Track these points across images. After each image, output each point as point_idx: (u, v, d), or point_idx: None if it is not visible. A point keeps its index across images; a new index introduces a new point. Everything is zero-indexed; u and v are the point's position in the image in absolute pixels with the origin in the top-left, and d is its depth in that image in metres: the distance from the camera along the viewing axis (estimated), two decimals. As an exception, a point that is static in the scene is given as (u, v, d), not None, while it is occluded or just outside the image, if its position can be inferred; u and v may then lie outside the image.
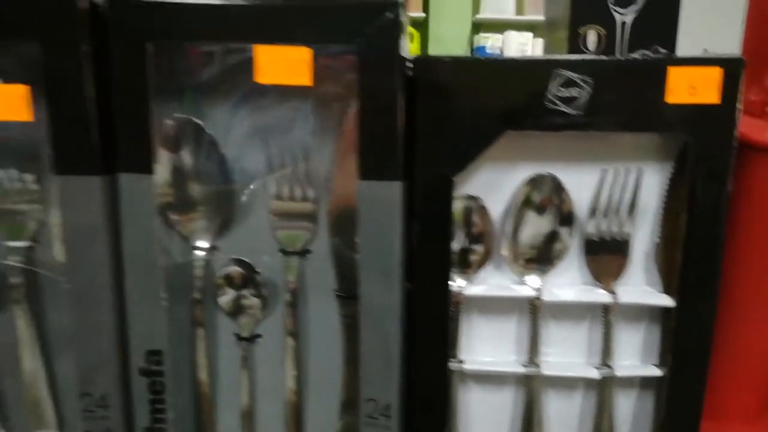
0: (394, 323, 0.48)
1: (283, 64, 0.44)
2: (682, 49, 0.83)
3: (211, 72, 0.48)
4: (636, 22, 0.80)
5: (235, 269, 0.50)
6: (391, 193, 0.46)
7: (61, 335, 0.52)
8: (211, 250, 0.51)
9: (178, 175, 0.49)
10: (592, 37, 0.83)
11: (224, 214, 0.51)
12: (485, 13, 2.87)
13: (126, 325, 0.50)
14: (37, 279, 0.52)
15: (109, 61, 0.45)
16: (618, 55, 0.78)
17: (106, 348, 0.49)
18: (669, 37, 0.82)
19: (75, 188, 0.46)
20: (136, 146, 0.46)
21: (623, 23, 0.82)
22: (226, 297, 0.51)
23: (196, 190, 0.49)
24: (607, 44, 0.83)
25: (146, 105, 0.46)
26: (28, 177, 0.50)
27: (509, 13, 2.94)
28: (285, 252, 0.51)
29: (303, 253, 0.51)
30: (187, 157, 0.49)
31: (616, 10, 0.82)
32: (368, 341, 0.48)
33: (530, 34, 2.93)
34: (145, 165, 0.46)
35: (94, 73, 0.45)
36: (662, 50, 0.84)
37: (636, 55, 0.83)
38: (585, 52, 0.83)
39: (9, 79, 0.45)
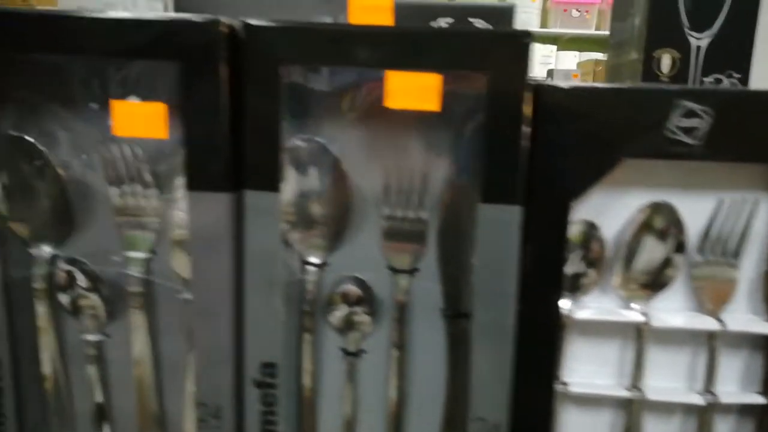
0: (508, 344, 0.49)
1: (413, 89, 0.46)
2: (757, 74, 0.84)
3: (334, 94, 0.50)
4: (711, 46, 0.81)
5: (351, 287, 0.52)
6: (511, 216, 0.47)
7: (175, 346, 0.54)
8: (323, 266, 0.53)
9: (302, 193, 0.50)
10: (666, 61, 0.83)
11: (338, 231, 0.52)
12: (508, 26, 2.88)
13: (242, 337, 0.51)
14: (154, 289, 0.53)
15: (242, 83, 0.47)
16: (692, 80, 0.79)
17: (223, 359, 0.50)
18: (743, 63, 0.83)
19: (205, 204, 0.48)
20: (266, 165, 0.48)
21: (698, 47, 0.82)
22: (339, 313, 0.52)
23: (316, 208, 0.51)
24: (681, 68, 0.84)
25: (277, 126, 0.47)
26: (152, 191, 0.52)
27: (533, 26, 2.96)
28: (394, 270, 0.52)
29: (411, 271, 0.52)
30: (311, 176, 0.50)
31: (691, 35, 0.82)
32: (480, 361, 0.49)
33: (554, 47, 2.96)
34: (272, 183, 0.48)
35: (229, 95, 0.47)
36: (736, 75, 0.85)
37: (710, 80, 0.84)
38: (659, 76, 0.84)
39: (148, 98, 0.47)
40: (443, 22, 0.82)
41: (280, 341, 0.51)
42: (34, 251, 0.52)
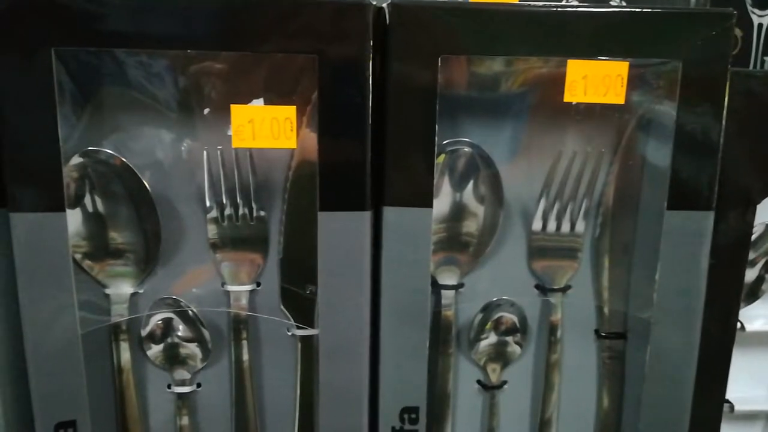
0: (689, 366, 0.43)
1: (596, 80, 0.38)
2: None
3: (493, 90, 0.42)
4: (774, 24, 0.79)
5: (506, 314, 0.44)
6: (702, 224, 0.41)
7: (281, 389, 0.45)
8: (458, 287, 0.45)
9: (454, 208, 0.42)
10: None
11: (481, 247, 0.44)
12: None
13: (378, 380, 0.43)
14: (257, 326, 0.44)
15: (389, 78, 0.38)
16: (754, 60, 0.76)
17: (356, 403, 0.42)
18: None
19: (340, 225, 0.39)
20: (418, 176, 0.39)
21: (760, 25, 0.80)
22: (487, 341, 0.45)
23: (468, 224, 0.43)
24: (743, 46, 0.80)
25: (432, 131, 0.39)
26: (260, 213, 0.42)
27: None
28: (544, 289, 0.45)
29: (564, 289, 0.46)
30: (465, 186, 0.42)
31: (754, 12, 0.79)
32: (655, 383, 0.43)
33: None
34: (424, 196, 0.40)
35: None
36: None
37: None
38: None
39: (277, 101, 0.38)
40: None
41: (424, 382, 0.43)
42: (112, 291, 0.42)
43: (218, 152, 0.40)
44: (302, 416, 0.46)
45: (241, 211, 0.42)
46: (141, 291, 0.43)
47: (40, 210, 0.37)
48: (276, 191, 0.43)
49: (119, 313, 0.42)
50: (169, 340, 0.43)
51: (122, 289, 0.42)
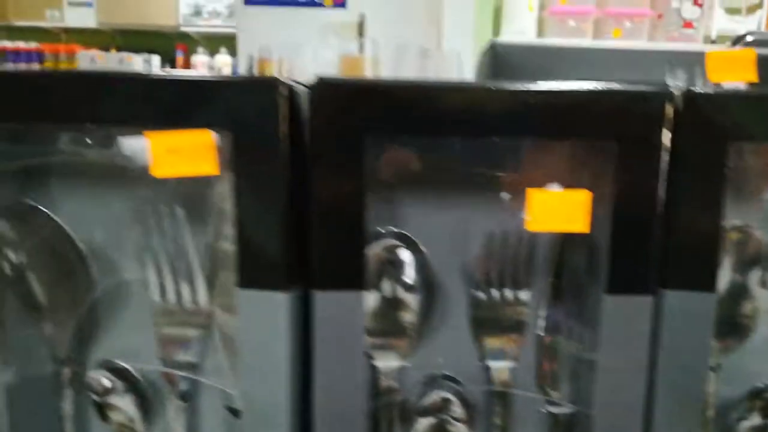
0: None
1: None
2: None
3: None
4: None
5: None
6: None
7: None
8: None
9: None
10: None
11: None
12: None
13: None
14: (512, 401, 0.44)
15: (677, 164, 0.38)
16: None
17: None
18: None
19: (623, 308, 0.39)
20: (698, 259, 0.39)
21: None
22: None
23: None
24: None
25: (719, 214, 0.39)
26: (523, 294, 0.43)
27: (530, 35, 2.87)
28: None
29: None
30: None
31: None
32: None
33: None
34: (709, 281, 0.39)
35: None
36: None
37: None
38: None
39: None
40: None
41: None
42: (381, 363, 0.44)
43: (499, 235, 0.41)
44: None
45: (507, 293, 0.43)
46: (407, 365, 0.44)
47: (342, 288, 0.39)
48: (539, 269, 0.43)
49: (388, 386, 0.43)
50: (438, 418, 0.43)
51: (391, 362, 0.43)
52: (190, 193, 0.41)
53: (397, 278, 0.41)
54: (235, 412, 0.43)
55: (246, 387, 0.39)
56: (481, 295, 0.43)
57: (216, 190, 0.41)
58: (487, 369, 0.44)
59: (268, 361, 0.39)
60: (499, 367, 0.44)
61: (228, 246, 0.41)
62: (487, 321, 0.43)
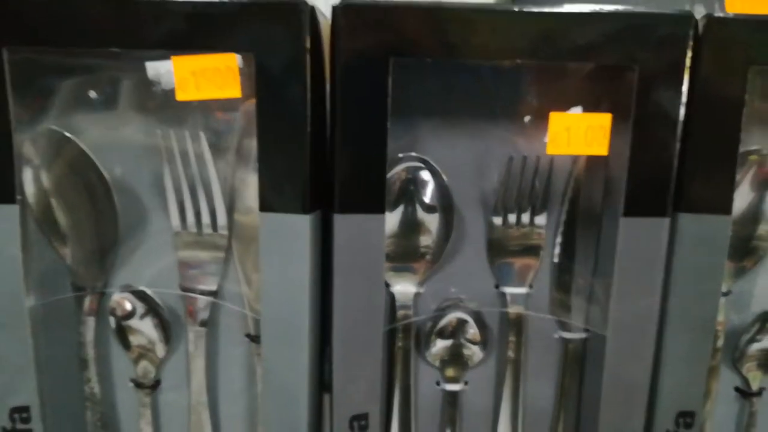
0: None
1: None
2: None
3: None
4: None
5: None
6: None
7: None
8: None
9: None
10: None
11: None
12: None
13: (656, 383, 0.43)
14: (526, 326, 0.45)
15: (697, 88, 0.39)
16: None
17: (634, 408, 0.43)
18: None
19: (640, 231, 0.40)
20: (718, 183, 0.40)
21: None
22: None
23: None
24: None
25: (737, 139, 0.39)
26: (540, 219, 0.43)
27: None
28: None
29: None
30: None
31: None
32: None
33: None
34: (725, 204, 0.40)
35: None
36: None
37: None
38: None
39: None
40: None
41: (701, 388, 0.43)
42: (398, 290, 0.44)
43: (520, 159, 0.41)
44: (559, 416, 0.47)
45: (524, 217, 0.43)
46: (422, 291, 0.44)
47: (362, 212, 0.39)
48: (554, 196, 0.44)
49: (405, 313, 0.44)
50: (454, 340, 0.44)
51: (407, 288, 0.44)
52: (212, 118, 0.41)
53: (418, 198, 0.42)
54: (254, 339, 0.44)
55: (267, 310, 0.40)
56: (498, 220, 0.43)
57: (237, 114, 0.41)
58: (503, 295, 0.45)
59: (289, 284, 0.40)
60: (515, 293, 0.45)
61: (248, 171, 0.41)
62: (504, 246, 0.44)
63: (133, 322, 0.43)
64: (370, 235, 0.40)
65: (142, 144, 0.43)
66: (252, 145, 0.39)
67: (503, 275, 0.45)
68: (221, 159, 0.42)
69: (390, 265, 0.43)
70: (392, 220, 0.42)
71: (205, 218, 0.42)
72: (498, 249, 0.44)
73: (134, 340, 0.44)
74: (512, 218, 0.44)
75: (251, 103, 0.39)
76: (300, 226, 0.39)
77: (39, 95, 0.41)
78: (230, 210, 0.43)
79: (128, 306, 0.42)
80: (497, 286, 0.45)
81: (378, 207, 0.39)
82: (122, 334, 0.44)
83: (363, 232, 0.40)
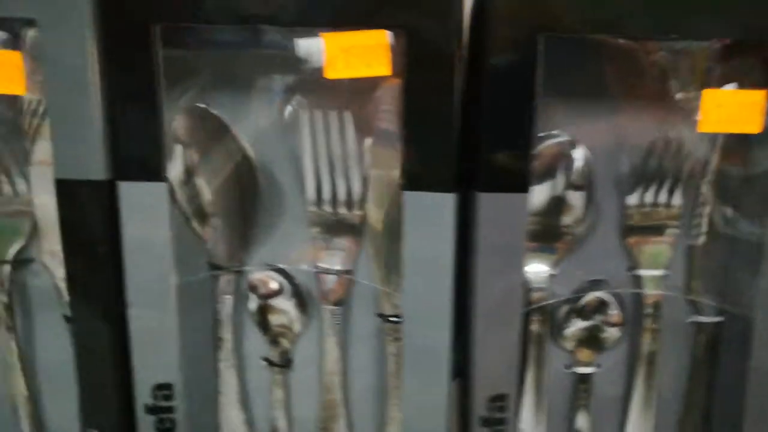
0: None
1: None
2: None
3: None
4: None
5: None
6: None
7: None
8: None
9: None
10: None
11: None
12: None
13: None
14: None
15: None
16: None
17: None
18: None
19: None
20: None
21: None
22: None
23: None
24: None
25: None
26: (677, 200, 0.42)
27: None
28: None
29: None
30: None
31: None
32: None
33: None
34: None
35: None
36: None
37: None
38: None
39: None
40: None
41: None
42: (532, 271, 0.44)
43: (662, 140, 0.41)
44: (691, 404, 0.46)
45: (660, 199, 0.42)
46: (556, 273, 0.44)
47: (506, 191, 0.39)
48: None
49: (541, 295, 0.43)
50: (592, 321, 0.43)
51: (542, 269, 0.43)
52: (355, 96, 0.41)
53: (563, 177, 0.41)
54: (386, 318, 0.44)
55: (409, 288, 0.40)
56: (634, 200, 0.42)
57: (380, 92, 0.41)
58: (637, 278, 0.44)
59: (432, 264, 0.40)
60: (651, 275, 0.44)
61: (388, 149, 0.41)
62: (640, 228, 0.43)
63: (276, 301, 0.43)
64: (514, 214, 0.39)
65: (281, 121, 0.43)
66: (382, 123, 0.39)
67: (638, 257, 0.44)
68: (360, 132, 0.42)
69: (528, 245, 0.42)
70: (534, 198, 0.41)
71: (341, 197, 0.42)
72: (633, 230, 0.43)
73: (274, 318, 0.44)
74: (648, 200, 0.42)
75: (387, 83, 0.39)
76: (445, 204, 0.39)
77: (185, 72, 0.41)
78: (368, 184, 0.43)
79: (274, 285, 0.43)
80: (630, 269, 0.44)
81: (522, 185, 0.39)
82: (262, 312, 0.44)
83: (506, 211, 0.39)
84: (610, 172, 0.43)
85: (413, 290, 0.41)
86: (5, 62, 0.38)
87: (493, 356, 0.42)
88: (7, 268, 0.44)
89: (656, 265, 0.44)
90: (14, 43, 0.40)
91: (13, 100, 0.42)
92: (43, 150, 0.43)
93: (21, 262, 0.45)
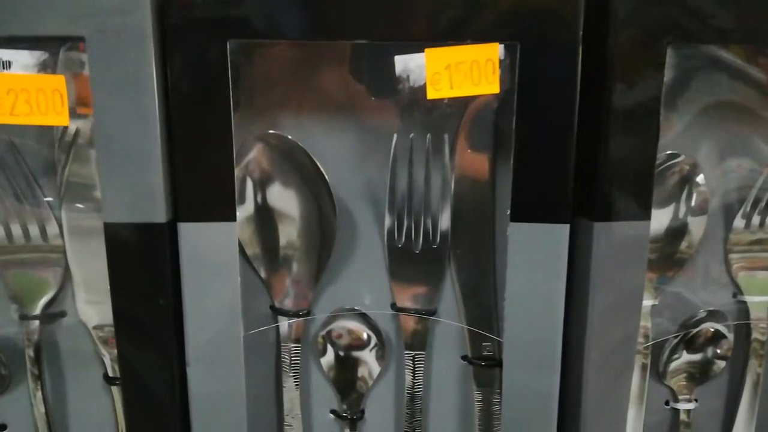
0: None
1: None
2: None
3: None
4: None
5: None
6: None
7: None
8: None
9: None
10: None
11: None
12: None
13: None
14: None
15: None
16: None
17: None
18: None
19: None
20: None
21: None
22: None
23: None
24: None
25: None
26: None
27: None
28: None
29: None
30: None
31: None
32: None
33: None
34: None
35: None
36: None
37: None
38: None
39: None
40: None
41: None
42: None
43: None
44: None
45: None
46: (656, 303, 0.40)
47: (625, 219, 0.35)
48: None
49: (645, 326, 0.40)
50: (702, 354, 0.40)
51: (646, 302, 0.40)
52: (447, 119, 0.37)
53: (688, 202, 0.37)
54: (470, 361, 0.40)
55: (512, 328, 0.36)
56: (741, 223, 0.39)
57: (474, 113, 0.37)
58: (744, 303, 0.41)
59: (542, 299, 0.36)
60: (758, 302, 0.41)
61: (480, 175, 0.37)
62: (745, 252, 0.40)
63: (357, 352, 0.38)
64: (634, 244, 0.35)
65: (356, 149, 0.38)
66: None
67: (744, 283, 0.40)
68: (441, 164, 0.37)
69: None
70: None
71: (426, 229, 0.38)
72: (740, 254, 0.40)
73: (349, 370, 0.39)
74: (755, 222, 0.39)
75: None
76: (559, 236, 0.35)
77: (257, 95, 0.36)
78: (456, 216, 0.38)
79: (364, 336, 0.38)
80: (735, 295, 0.41)
81: (644, 212, 0.35)
82: (340, 363, 0.39)
83: (626, 241, 0.35)
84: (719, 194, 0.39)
85: (518, 329, 0.36)
86: (46, 88, 0.32)
87: (604, 402, 0.37)
88: (35, 322, 0.37)
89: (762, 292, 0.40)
90: (45, 64, 0.34)
91: (41, 131, 0.36)
92: (77, 188, 0.36)
93: (50, 315, 0.38)
